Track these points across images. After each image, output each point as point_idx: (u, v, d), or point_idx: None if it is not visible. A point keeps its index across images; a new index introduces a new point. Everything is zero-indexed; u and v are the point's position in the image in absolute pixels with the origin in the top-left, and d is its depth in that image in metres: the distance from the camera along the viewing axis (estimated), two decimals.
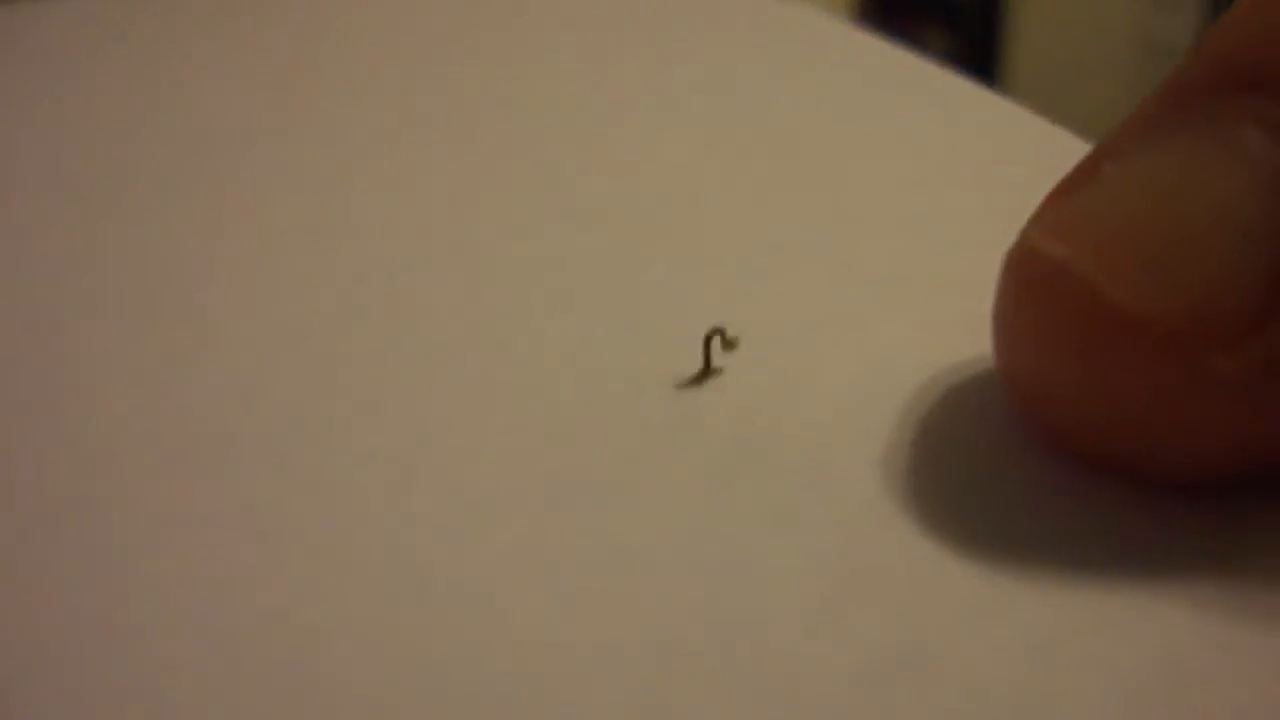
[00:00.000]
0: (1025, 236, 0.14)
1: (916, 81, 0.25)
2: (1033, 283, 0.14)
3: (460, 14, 0.28)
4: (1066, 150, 0.15)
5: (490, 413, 0.16)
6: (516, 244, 0.19)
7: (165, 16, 0.28)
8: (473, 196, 0.21)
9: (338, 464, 0.15)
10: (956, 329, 0.16)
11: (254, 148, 0.22)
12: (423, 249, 0.19)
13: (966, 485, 0.15)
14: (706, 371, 0.16)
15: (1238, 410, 0.13)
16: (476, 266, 0.19)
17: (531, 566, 0.14)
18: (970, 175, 0.21)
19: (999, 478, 0.15)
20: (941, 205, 0.20)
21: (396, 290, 0.18)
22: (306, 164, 0.22)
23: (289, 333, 0.17)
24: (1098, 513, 0.14)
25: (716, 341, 0.16)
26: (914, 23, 1.16)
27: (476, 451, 0.15)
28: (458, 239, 0.20)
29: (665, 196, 0.21)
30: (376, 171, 0.22)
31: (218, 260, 0.19)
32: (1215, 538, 0.14)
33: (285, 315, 0.18)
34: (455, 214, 0.20)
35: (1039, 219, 0.14)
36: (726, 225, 0.20)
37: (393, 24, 0.28)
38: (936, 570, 0.14)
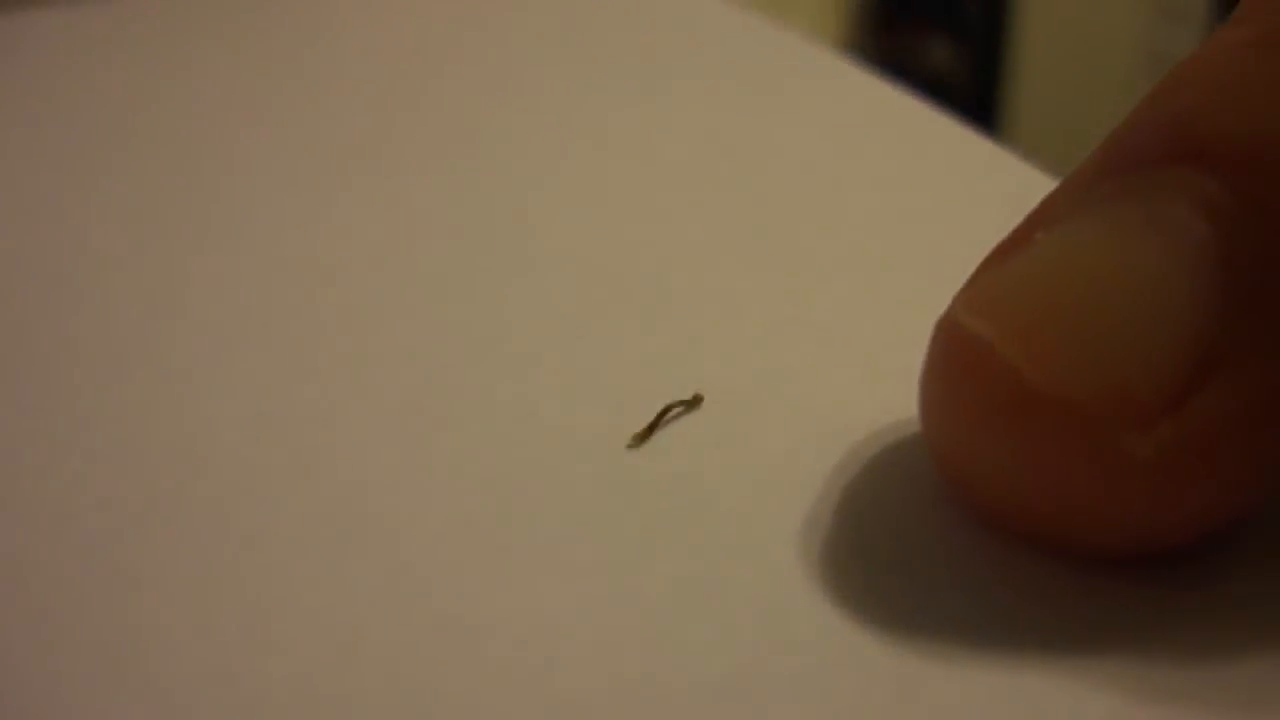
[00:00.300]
0: (952, 308, 0.14)
1: (893, 117, 0.24)
2: (955, 358, 0.14)
3: (436, 41, 0.28)
4: (1042, 194, 0.15)
5: (425, 471, 0.16)
6: (464, 292, 0.19)
7: (152, 29, 0.28)
8: (432, 238, 0.20)
9: (275, 517, 0.15)
10: (902, 387, 0.16)
11: (210, 184, 0.22)
12: (373, 295, 0.19)
13: (890, 557, 0.15)
14: (650, 432, 0.16)
15: (1155, 491, 0.13)
16: (427, 318, 0.19)
17: (444, 626, 0.13)
18: (941, 219, 0.21)
19: (922, 548, 0.15)
20: (904, 252, 0.20)
21: (345, 340, 0.18)
22: (253, 209, 0.22)
23: (238, 372, 0.17)
24: (1022, 588, 0.14)
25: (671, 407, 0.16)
26: (918, 33, 1.16)
27: (405, 511, 0.15)
28: (409, 285, 0.19)
29: (621, 241, 0.20)
30: (336, 212, 0.21)
31: (169, 298, 0.19)
32: (1141, 613, 0.14)
33: (236, 357, 0.18)
34: (409, 257, 0.20)
35: (968, 289, 0.14)
36: (681, 275, 0.20)
37: (367, 42, 0.28)
38: (851, 647, 0.13)
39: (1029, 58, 1.10)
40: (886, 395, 0.17)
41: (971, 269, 0.15)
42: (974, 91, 1.12)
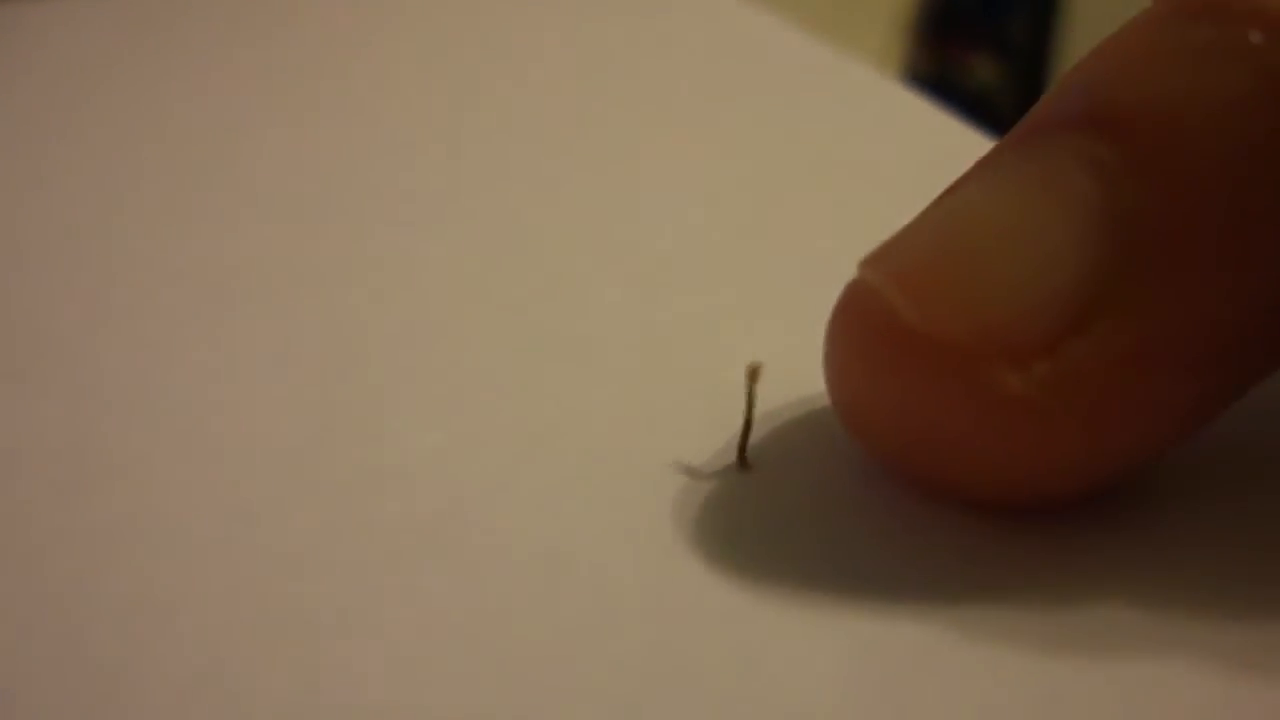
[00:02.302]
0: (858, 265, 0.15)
1: (927, 131, 0.25)
2: (846, 307, 0.15)
3: (452, 43, 0.28)
4: None
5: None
6: (472, 280, 0.20)
7: (159, 20, 0.28)
8: (435, 234, 0.21)
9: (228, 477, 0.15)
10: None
11: (220, 177, 0.22)
12: (363, 291, 0.19)
13: (788, 508, 0.15)
14: (749, 418, 0.16)
15: (1031, 431, 0.14)
16: (423, 300, 0.19)
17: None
18: None
19: (829, 505, 0.15)
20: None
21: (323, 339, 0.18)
22: (271, 191, 0.22)
23: (226, 362, 0.18)
24: (928, 539, 0.14)
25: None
26: (963, 51, 1.16)
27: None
28: (410, 281, 0.20)
29: (629, 230, 0.21)
30: (350, 201, 0.22)
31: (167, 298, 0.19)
32: (1039, 563, 0.14)
33: (225, 344, 0.18)
34: (414, 252, 0.20)
35: (874, 249, 0.15)
36: (683, 256, 0.20)
37: (373, 38, 0.28)
38: (748, 604, 0.14)
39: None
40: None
41: None
42: (1019, 109, 1.12)
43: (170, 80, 0.26)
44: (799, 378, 0.17)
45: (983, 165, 0.15)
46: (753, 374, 0.16)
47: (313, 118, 0.25)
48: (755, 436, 0.16)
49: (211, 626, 0.13)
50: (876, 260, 0.15)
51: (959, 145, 0.24)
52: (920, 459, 0.15)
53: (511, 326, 0.18)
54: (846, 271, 0.16)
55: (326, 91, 0.26)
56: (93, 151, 0.23)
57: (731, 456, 0.16)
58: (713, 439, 0.16)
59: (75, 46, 0.27)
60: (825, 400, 0.16)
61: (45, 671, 0.13)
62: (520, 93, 0.26)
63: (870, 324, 0.14)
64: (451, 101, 0.25)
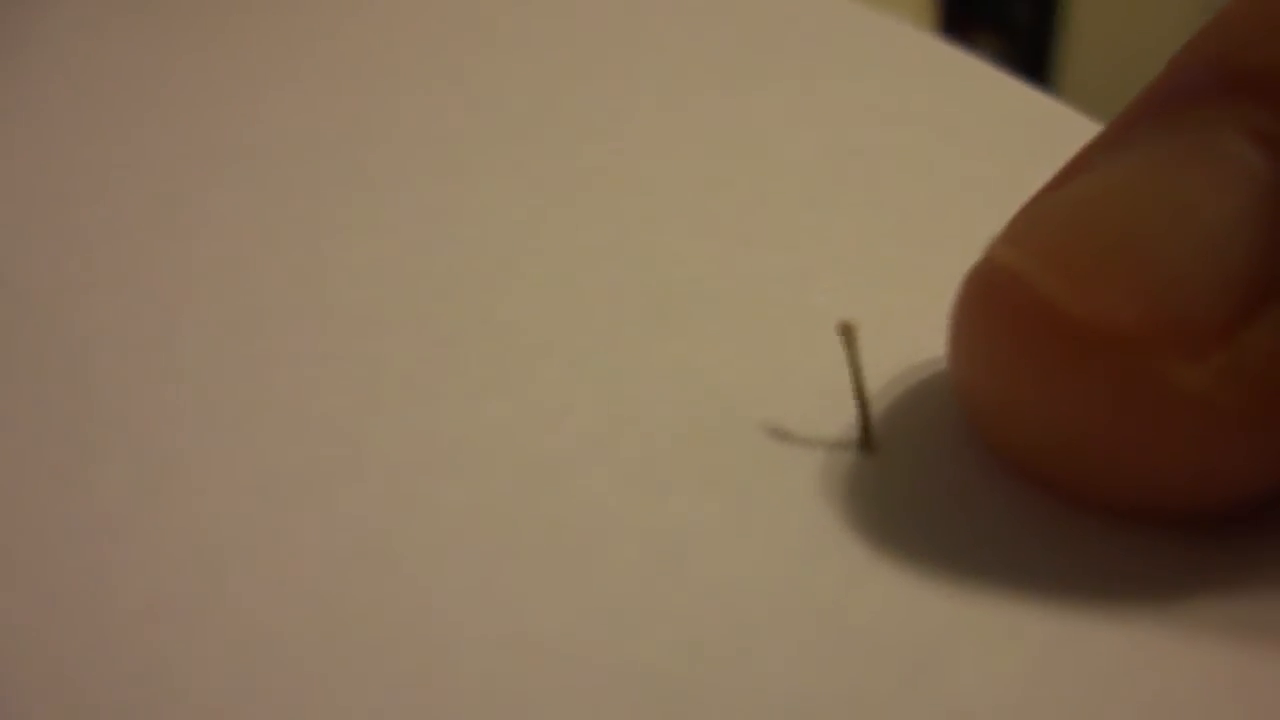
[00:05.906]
0: (988, 246, 0.14)
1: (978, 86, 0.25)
2: (984, 292, 0.13)
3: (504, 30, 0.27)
4: None
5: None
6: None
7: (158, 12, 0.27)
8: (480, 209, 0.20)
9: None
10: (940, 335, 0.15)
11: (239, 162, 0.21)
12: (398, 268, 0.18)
13: (915, 509, 0.14)
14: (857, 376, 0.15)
15: (1202, 428, 0.12)
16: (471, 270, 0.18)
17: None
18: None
19: (953, 499, 0.14)
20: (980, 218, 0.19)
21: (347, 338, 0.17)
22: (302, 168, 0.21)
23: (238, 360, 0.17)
24: (1051, 540, 0.13)
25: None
26: (966, 31, 1.17)
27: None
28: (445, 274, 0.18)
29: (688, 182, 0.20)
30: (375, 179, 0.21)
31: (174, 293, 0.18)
32: (1184, 572, 0.13)
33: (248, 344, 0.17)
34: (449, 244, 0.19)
35: (1005, 228, 0.14)
36: (753, 208, 0.19)
37: (411, 21, 0.27)
38: (871, 589, 0.13)
39: (1076, 58, 1.11)
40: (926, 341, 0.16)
41: None
42: None
43: (218, 40, 0.25)
44: (901, 340, 0.16)
45: (1114, 139, 0.14)
46: (847, 335, 0.14)
47: (378, 75, 0.24)
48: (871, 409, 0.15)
49: (285, 633, 0.12)
50: (1014, 239, 0.13)
51: (1019, 101, 0.24)
52: (1063, 461, 0.13)
53: (588, 288, 0.17)
54: (937, 224, 0.15)
55: (383, 49, 0.25)
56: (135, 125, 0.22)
57: (840, 431, 0.15)
58: (818, 408, 0.15)
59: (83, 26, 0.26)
60: (937, 366, 0.15)
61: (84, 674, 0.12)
62: (569, 56, 0.25)
63: (1015, 311, 0.13)
64: (502, 66, 0.25)
